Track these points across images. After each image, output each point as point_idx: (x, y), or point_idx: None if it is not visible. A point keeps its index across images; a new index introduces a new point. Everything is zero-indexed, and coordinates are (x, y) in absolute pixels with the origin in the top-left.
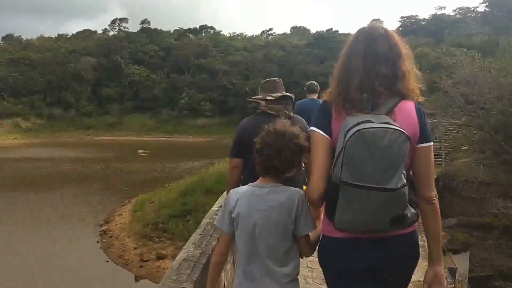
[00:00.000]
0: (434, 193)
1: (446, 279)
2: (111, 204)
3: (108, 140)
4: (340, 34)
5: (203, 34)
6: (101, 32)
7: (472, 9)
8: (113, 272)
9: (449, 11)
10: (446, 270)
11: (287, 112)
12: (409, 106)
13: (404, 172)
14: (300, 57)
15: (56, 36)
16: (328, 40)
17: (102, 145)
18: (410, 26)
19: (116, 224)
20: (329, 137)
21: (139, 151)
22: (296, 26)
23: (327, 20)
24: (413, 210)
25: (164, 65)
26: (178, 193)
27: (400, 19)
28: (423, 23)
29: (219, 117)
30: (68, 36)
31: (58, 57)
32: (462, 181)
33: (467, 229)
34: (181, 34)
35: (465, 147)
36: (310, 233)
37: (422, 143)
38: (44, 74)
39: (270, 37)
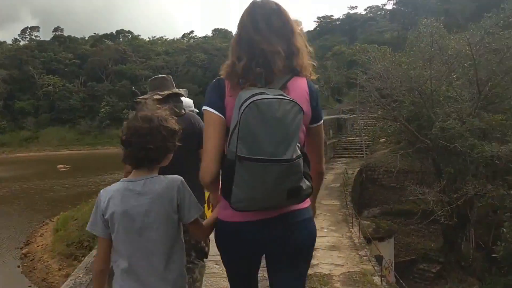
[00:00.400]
0: (323, 165)
1: (373, 267)
2: (31, 224)
3: (24, 157)
4: None
5: (121, 39)
6: (10, 42)
7: (381, 7)
8: None
9: (360, 10)
10: (373, 258)
11: (177, 110)
12: (301, 83)
13: (299, 144)
14: (224, 59)
15: None
16: None
17: (18, 162)
18: (326, 26)
19: (38, 246)
20: (222, 116)
21: (59, 166)
22: (218, 28)
23: None
24: (307, 183)
25: (80, 73)
26: None
27: (317, 20)
28: (338, 22)
29: None
30: None
31: None
32: (382, 172)
33: (390, 217)
34: (97, 40)
35: (383, 139)
36: (208, 217)
37: (314, 123)
38: None
39: (192, 40)
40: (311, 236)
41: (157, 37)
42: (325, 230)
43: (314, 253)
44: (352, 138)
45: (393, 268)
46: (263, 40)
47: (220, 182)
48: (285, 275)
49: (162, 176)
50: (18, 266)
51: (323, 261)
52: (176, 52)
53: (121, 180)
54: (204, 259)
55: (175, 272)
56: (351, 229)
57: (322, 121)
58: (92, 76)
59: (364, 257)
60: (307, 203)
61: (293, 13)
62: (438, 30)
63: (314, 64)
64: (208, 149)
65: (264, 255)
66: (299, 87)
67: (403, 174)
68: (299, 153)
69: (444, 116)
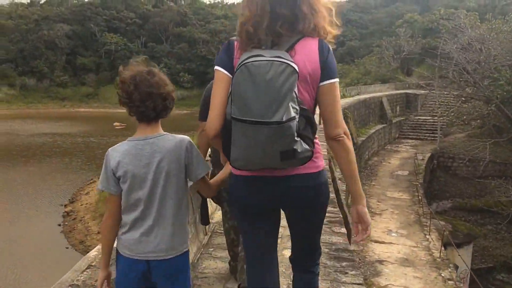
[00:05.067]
0: (340, 130)
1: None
2: (79, 181)
3: (84, 112)
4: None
5: (182, 2)
6: None
7: None
8: (71, 261)
9: None
10: (451, 266)
11: None
12: (311, 43)
13: (296, 107)
14: None
15: (28, 1)
16: None
17: (78, 117)
18: None
19: (81, 204)
20: (230, 75)
21: (115, 124)
22: None
23: None
24: (305, 146)
25: (141, 34)
26: None
27: None
28: None
29: (198, 89)
30: (41, 2)
31: (30, 24)
32: (457, 159)
33: (464, 213)
34: (159, 0)
35: (461, 122)
36: (218, 174)
37: (324, 80)
38: (15, 42)
39: None
40: (319, 203)
41: (217, 0)
42: (394, 234)
43: (381, 267)
44: (423, 118)
45: (468, 278)
46: (267, 4)
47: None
48: (296, 229)
49: (170, 134)
50: (59, 225)
51: (393, 282)
52: (235, 16)
53: (128, 139)
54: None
55: (182, 227)
56: (427, 236)
57: (337, 80)
58: (152, 37)
59: (450, 281)
60: (317, 167)
61: None
62: None
63: (337, 23)
64: (214, 105)
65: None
66: (308, 48)
67: (483, 163)
68: (293, 115)
69: None
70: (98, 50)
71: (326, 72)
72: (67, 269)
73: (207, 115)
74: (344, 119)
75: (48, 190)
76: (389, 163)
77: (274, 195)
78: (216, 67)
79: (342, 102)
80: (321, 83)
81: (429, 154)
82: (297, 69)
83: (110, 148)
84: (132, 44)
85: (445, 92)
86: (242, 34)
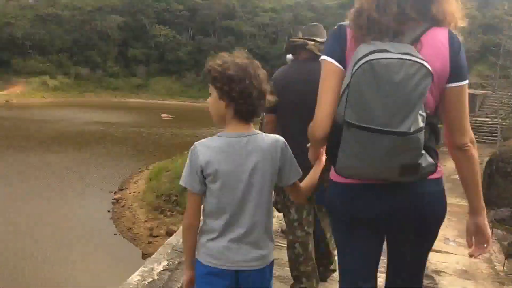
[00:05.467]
0: (467, 138)
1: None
2: (129, 169)
3: (134, 103)
4: None
5: None
6: None
7: None
8: (119, 247)
9: None
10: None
11: None
12: (440, 35)
13: (423, 113)
14: (331, 19)
15: None
16: None
17: (128, 107)
18: None
19: (130, 193)
20: (342, 68)
21: (163, 115)
22: None
23: None
24: (430, 160)
25: (189, 26)
26: None
27: None
28: None
29: None
30: None
31: (85, 15)
32: None
33: None
34: None
35: None
36: (308, 177)
37: (453, 82)
38: (71, 32)
39: None
40: (439, 210)
41: None
42: (452, 243)
43: (438, 279)
44: (481, 119)
45: None
46: None
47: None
48: (403, 250)
49: (264, 133)
50: (109, 211)
51: None
52: (283, 9)
53: (218, 134)
54: None
55: (271, 235)
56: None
57: (467, 82)
58: (201, 30)
59: None
60: (438, 173)
61: None
62: None
63: (468, 10)
64: (324, 102)
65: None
66: (436, 40)
67: None
68: (421, 125)
69: None
70: (148, 42)
71: (456, 71)
72: (112, 254)
73: (272, 108)
74: None
75: (99, 177)
76: (445, 166)
77: (387, 205)
78: (325, 57)
79: None
80: (449, 85)
81: (487, 158)
82: (431, 71)
83: (197, 143)
84: (181, 36)
85: (510, 93)
86: (360, 21)
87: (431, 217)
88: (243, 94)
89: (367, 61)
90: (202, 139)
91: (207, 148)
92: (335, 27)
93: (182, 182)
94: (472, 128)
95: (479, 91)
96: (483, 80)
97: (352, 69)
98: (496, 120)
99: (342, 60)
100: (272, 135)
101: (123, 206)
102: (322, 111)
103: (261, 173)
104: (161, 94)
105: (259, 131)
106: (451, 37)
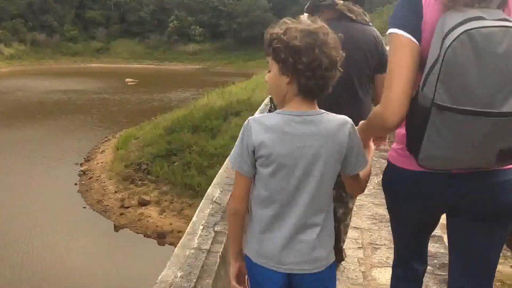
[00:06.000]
0: None
1: None
2: (94, 139)
3: (95, 68)
4: None
5: None
6: None
7: None
8: (89, 221)
9: None
10: None
11: (367, 20)
12: None
13: None
14: None
15: None
16: None
17: (89, 73)
18: None
19: (97, 163)
20: (417, 43)
21: (127, 80)
22: None
23: None
24: None
25: None
26: (164, 130)
27: None
28: None
29: (210, 43)
30: None
31: None
32: None
33: None
34: None
35: None
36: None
37: None
38: None
39: None
40: None
41: None
42: None
43: None
44: None
45: None
46: None
47: (405, 130)
48: (476, 238)
49: (330, 113)
50: (76, 184)
51: None
52: None
53: (277, 111)
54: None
55: (331, 233)
56: None
57: None
58: None
59: None
60: None
61: None
62: None
63: None
64: (399, 81)
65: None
66: None
67: None
68: None
69: None
70: (107, 3)
71: None
72: (82, 228)
73: None
74: None
75: (64, 149)
76: None
77: (463, 191)
78: (396, 30)
79: None
80: None
81: None
82: None
83: (251, 118)
84: None
85: None
86: None
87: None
88: (312, 65)
89: (465, 31)
90: (169, 101)
91: (262, 125)
92: None
93: (230, 162)
94: None
95: None
96: None
97: (443, 42)
98: None
99: (417, 33)
100: (339, 115)
101: (90, 178)
102: (397, 92)
103: (323, 160)
104: (124, 58)
105: (326, 112)
106: None
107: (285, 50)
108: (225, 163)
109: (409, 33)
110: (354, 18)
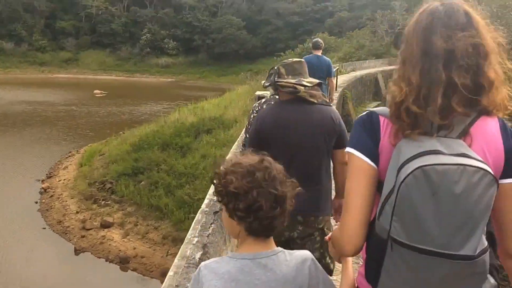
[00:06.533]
0: None
1: None
2: (58, 153)
3: (63, 78)
4: None
5: None
6: None
7: None
8: (49, 243)
9: None
10: None
11: (326, 100)
12: (491, 125)
13: (485, 228)
14: None
15: None
16: None
17: (57, 84)
18: None
19: (59, 180)
20: (375, 166)
21: (95, 91)
22: None
23: None
24: (492, 281)
25: None
26: (131, 146)
27: None
28: None
29: (183, 56)
30: None
31: None
32: None
33: None
34: None
35: None
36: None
37: (508, 178)
38: None
39: None
40: None
41: None
42: None
43: None
44: None
45: None
46: (439, 68)
47: (364, 259)
48: None
49: (285, 251)
50: (36, 202)
51: None
52: None
53: (230, 255)
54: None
55: None
56: None
57: None
58: (136, 1)
59: None
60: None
61: None
62: None
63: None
64: (353, 209)
65: None
66: (487, 131)
67: None
68: (486, 244)
69: None
70: (78, 14)
71: (508, 172)
72: (41, 251)
73: (254, 143)
74: (344, 100)
75: (26, 164)
76: None
77: None
78: (352, 151)
79: (339, 80)
80: (504, 181)
81: None
82: (496, 179)
83: (203, 265)
84: (114, 7)
85: None
86: (397, 113)
87: None
88: (251, 209)
89: (420, 167)
90: (139, 115)
91: (215, 275)
92: (365, 114)
93: None
94: None
95: None
96: None
97: (398, 175)
98: None
99: (374, 156)
100: (298, 252)
101: (51, 196)
102: (352, 220)
103: None
104: (93, 69)
105: (281, 249)
106: (504, 126)
107: (225, 194)
108: None
109: (366, 155)
110: (314, 101)
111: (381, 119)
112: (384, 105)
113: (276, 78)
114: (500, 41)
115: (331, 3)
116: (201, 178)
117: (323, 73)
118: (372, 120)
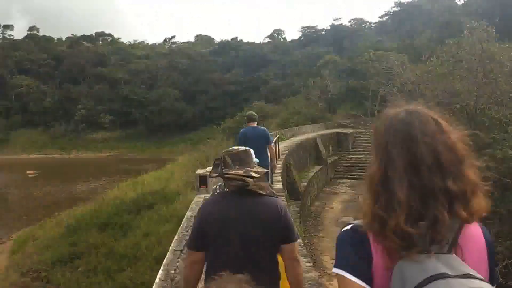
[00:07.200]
0: None
1: None
2: None
3: None
4: (245, 43)
5: (100, 42)
6: None
7: (365, 20)
8: None
9: (345, 22)
10: None
11: (273, 192)
12: (473, 232)
13: None
14: (205, 65)
15: None
16: (233, 49)
17: None
18: (310, 35)
19: None
20: (368, 287)
21: (28, 171)
22: (200, 34)
23: (231, 29)
24: None
25: (55, 75)
26: (67, 229)
27: (301, 29)
28: (323, 33)
29: (121, 130)
30: None
31: None
32: None
33: None
34: (75, 41)
35: None
36: None
37: (493, 283)
38: None
39: (174, 45)
40: None
41: (138, 41)
42: None
43: None
44: (356, 156)
45: None
46: (432, 178)
47: None
48: None
49: None
50: None
51: None
52: (158, 57)
53: None
54: None
55: None
56: None
57: None
58: (68, 78)
59: None
60: None
61: (277, 23)
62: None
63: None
64: None
65: None
66: (474, 241)
67: None
68: None
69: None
70: (8, 94)
71: (493, 276)
72: None
73: (200, 245)
74: (287, 168)
75: None
76: (332, 208)
77: None
78: (343, 273)
79: (281, 146)
80: None
81: None
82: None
83: None
84: (46, 86)
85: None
86: (384, 232)
87: None
88: None
89: None
90: (76, 194)
91: None
92: (349, 229)
93: None
94: (349, 166)
95: (350, 130)
96: (349, 120)
97: None
98: (368, 156)
99: (367, 277)
100: None
101: None
102: None
103: None
104: (26, 148)
105: None
106: (486, 236)
107: None
108: None
109: (359, 277)
110: (263, 193)
111: (372, 237)
112: (327, 168)
113: (223, 170)
114: (467, 141)
115: (264, 72)
116: (143, 259)
117: (261, 141)
118: (362, 240)
